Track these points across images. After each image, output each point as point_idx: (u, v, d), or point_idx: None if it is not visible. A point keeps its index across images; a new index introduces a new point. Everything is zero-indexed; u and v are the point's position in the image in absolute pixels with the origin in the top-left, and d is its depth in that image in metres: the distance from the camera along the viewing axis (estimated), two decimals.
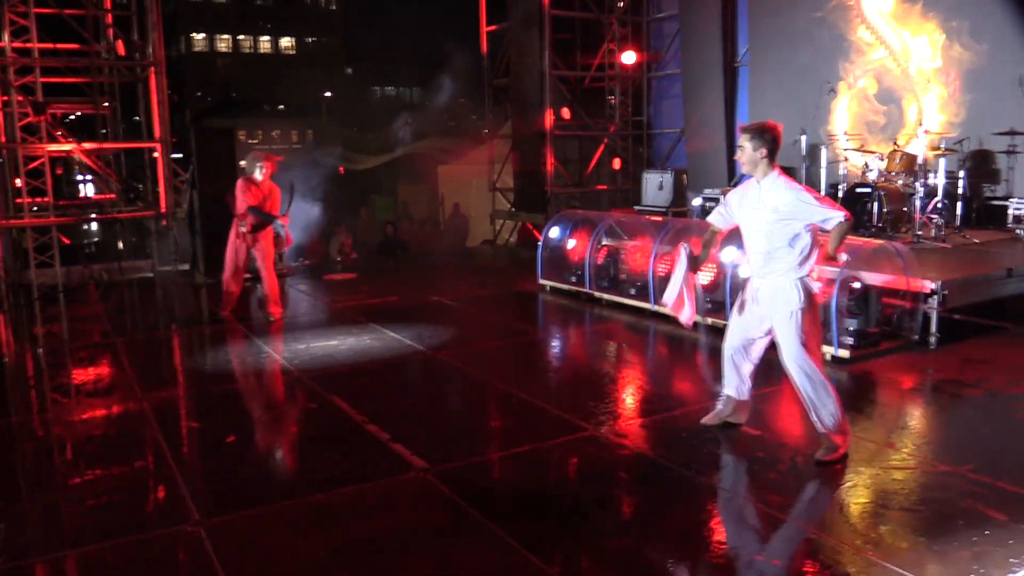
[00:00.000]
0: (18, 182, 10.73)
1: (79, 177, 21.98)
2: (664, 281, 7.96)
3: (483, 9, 15.22)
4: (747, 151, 4.33)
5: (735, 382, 4.82)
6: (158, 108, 11.21)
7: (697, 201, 10.34)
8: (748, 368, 4.77)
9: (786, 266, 4.30)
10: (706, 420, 4.95)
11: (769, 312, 4.41)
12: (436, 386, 6.20)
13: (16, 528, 3.96)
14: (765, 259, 4.37)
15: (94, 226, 16.99)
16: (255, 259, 8.35)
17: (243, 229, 8.14)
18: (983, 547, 3.43)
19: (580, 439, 4.90)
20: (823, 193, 9.41)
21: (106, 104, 12.32)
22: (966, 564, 3.31)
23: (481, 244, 16.51)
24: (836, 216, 4.22)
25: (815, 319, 4.38)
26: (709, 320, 7.28)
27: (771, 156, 4.30)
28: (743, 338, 4.68)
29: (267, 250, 8.33)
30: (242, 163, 8.17)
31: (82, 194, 20.84)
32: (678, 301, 4.76)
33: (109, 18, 11.89)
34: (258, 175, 8.10)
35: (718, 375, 5.01)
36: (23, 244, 10.72)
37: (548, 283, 9.66)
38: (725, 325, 5.01)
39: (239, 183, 8.16)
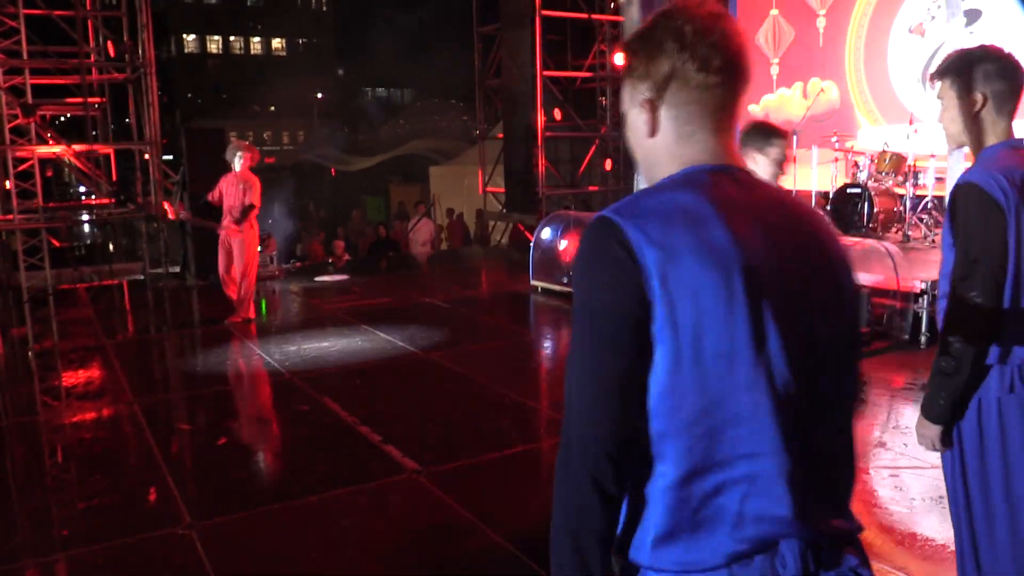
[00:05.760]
0: (8, 184, 10.68)
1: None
2: None
3: (475, 10, 15.23)
4: None
5: None
6: (148, 109, 11.18)
7: None
8: None
9: None
10: None
11: None
12: (428, 387, 6.20)
13: (6, 531, 3.94)
14: None
15: (84, 228, 16.92)
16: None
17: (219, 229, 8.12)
18: None
19: None
20: (815, 194, 9.45)
21: (96, 106, 12.28)
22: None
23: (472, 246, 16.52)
24: None
25: None
26: None
27: None
28: None
29: (245, 248, 8.09)
30: (230, 154, 8.13)
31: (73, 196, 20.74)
32: None
33: (98, 20, 11.85)
34: (237, 165, 8.06)
35: None
36: (12, 246, 10.67)
37: (540, 284, 9.66)
38: None
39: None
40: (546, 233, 9.78)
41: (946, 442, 2.24)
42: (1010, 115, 2.09)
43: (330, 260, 13.77)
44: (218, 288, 8.45)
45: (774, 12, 11.46)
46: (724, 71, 1.26)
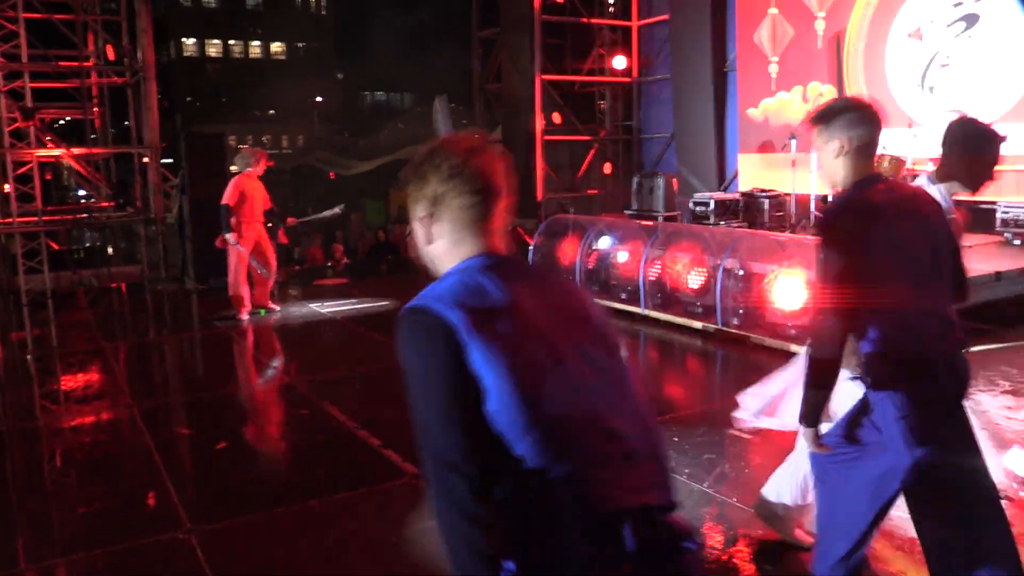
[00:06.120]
0: (7, 187, 10.69)
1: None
2: (658, 287, 8.00)
3: (474, 14, 15.26)
4: None
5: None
6: (148, 113, 11.19)
7: (688, 206, 10.37)
8: None
9: None
10: None
11: None
12: None
13: (6, 536, 3.94)
14: None
15: (84, 231, 16.93)
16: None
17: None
18: None
19: None
20: (814, 198, 9.46)
21: (96, 109, 12.29)
22: None
23: None
24: None
25: None
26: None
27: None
28: None
29: (262, 248, 8.40)
30: (233, 167, 8.28)
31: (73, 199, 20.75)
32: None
33: (97, 24, 11.86)
34: (256, 169, 8.32)
35: (710, 379, 5.02)
36: (11, 250, 10.68)
37: None
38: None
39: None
40: (545, 237, 9.79)
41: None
42: (870, 156, 2.45)
43: (329, 264, 13.77)
44: (217, 291, 8.46)
45: (773, 11, 11.48)
46: (479, 193, 1.67)
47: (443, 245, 1.69)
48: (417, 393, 1.55)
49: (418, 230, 1.71)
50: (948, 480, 2.49)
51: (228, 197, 8.14)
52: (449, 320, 1.51)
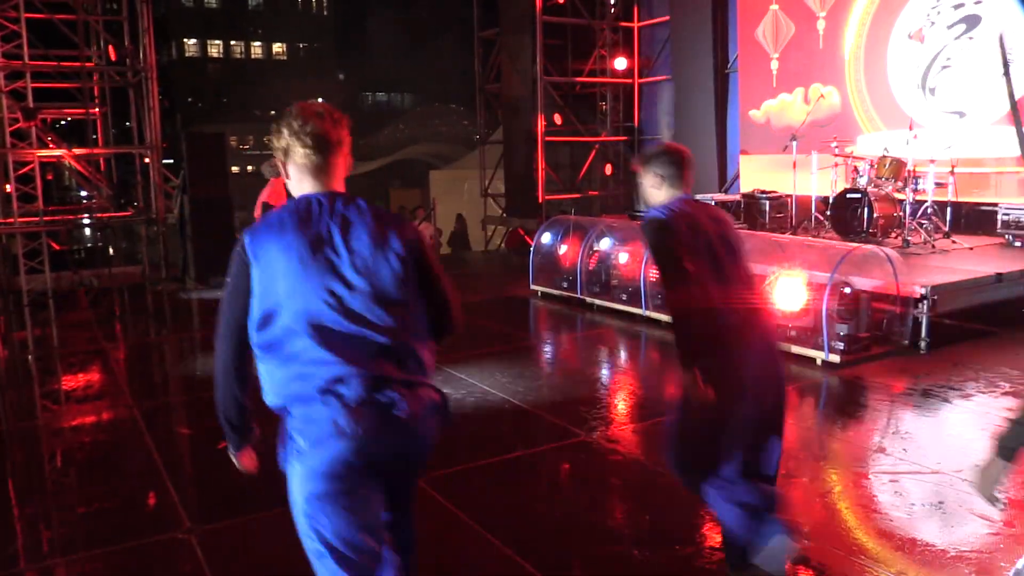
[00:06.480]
0: (8, 187, 10.70)
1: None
2: (655, 287, 8.00)
3: (476, 15, 15.26)
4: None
5: None
6: (149, 113, 11.20)
7: None
8: None
9: None
10: None
11: None
12: None
13: (6, 536, 3.94)
14: None
15: (85, 231, 16.94)
16: None
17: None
18: (974, 551, 3.44)
19: (572, 445, 4.91)
20: (815, 199, 9.46)
21: (97, 109, 12.30)
22: (957, 568, 3.32)
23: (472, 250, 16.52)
24: None
25: None
26: None
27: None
28: None
29: None
30: (266, 169, 8.44)
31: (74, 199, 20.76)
32: None
33: (99, 24, 11.87)
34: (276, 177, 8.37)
35: None
36: (13, 249, 10.68)
37: (540, 288, 9.67)
38: None
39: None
40: (546, 237, 9.79)
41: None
42: (681, 186, 3.14)
43: None
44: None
45: (774, 7, 11.49)
46: (313, 145, 2.25)
47: (293, 182, 2.32)
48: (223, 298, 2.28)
49: (278, 165, 2.33)
50: None
51: (269, 196, 8.18)
52: (243, 240, 2.23)
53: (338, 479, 2.19)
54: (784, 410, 3.27)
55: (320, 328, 2.15)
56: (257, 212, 8.29)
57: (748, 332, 3.06)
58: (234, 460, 2.63)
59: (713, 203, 4.32)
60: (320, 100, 2.48)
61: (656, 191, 3.20)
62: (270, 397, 2.27)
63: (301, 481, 2.27)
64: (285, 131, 2.27)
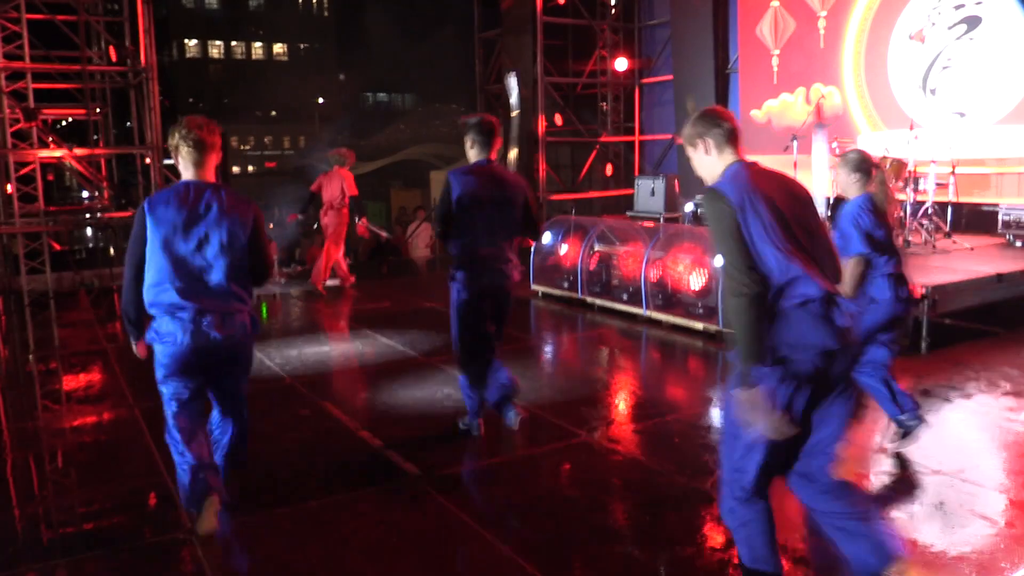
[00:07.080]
0: (9, 188, 10.70)
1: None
2: (658, 287, 8.00)
3: (476, 15, 15.27)
4: None
5: None
6: (150, 114, 11.20)
7: (689, 207, 10.37)
8: None
9: None
10: None
11: None
12: (429, 392, 6.20)
13: (5, 537, 3.94)
14: None
15: (86, 231, 16.94)
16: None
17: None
18: (975, 552, 3.44)
19: (573, 445, 4.91)
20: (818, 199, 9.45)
21: (98, 110, 12.30)
22: (958, 569, 3.32)
23: None
24: None
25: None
26: None
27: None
28: None
29: (335, 229, 9.90)
30: (333, 160, 10.07)
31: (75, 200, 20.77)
32: None
33: (100, 25, 11.87)
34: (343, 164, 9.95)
35: (712, 381, 5.02)
36: (13, 250, 10.69)
37: (540, 289, 9.67)
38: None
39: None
40: (546, 238, 9.78)
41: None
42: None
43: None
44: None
45: (775, 4, 11.49)
46: (193, 146, 3.50)
47: (180, 170, 3.56)
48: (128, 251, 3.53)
49: (174, 157, 3.55)
50: None
51: (354, 188, 9.85)
52: (144, 206, 3.47)
53: (175, 363, 3.52)
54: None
55: (178, 271, 3.42)
56: (314, 187, 9.97)
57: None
58: (133, 349, 3.71)
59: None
60: (202, 116, 3.60)
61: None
62: (145, 303, 3.49)
63: (156, 361, 3.57)
64: (176, 135, 3.48)
